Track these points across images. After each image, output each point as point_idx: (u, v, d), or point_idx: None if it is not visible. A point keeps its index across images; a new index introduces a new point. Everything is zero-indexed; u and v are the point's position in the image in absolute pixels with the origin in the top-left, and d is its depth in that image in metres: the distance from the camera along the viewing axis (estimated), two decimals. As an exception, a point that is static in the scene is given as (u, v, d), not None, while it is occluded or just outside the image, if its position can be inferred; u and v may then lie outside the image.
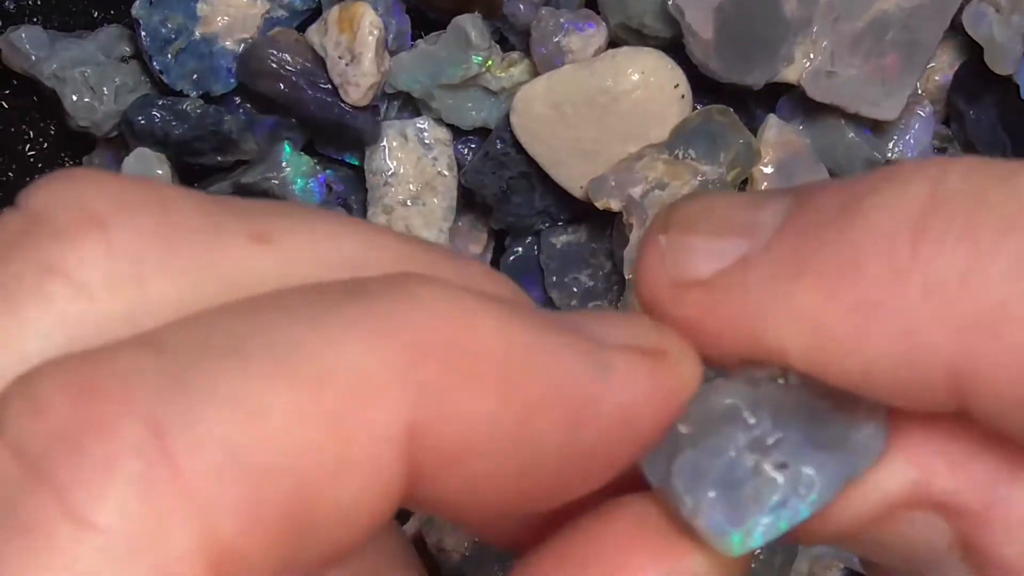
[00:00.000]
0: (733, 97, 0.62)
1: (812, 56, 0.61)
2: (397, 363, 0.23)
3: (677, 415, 0.26)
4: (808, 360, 0.26)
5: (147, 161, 0.61)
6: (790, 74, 0.61)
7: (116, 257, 0.24)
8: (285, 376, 0.22)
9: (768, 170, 0.61)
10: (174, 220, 0.25)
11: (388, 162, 0.63)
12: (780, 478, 0.25)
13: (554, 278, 0.64)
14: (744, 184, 0.62)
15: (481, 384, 0.24)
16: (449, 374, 0.23)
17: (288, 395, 0.22)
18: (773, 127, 0.61)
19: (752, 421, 0.26)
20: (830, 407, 0.26)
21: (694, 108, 0.61)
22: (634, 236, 0.59)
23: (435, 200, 0.64)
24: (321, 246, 0.26)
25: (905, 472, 0.27)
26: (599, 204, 0.60)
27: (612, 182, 0.60)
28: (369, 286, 0.24)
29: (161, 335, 0.23)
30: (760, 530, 0.25)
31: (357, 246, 0.26)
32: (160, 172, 0.61)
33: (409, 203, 0.63)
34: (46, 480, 0.21)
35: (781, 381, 0.26)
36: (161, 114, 0.62)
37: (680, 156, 0.59)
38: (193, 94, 0.62)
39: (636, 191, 0.59)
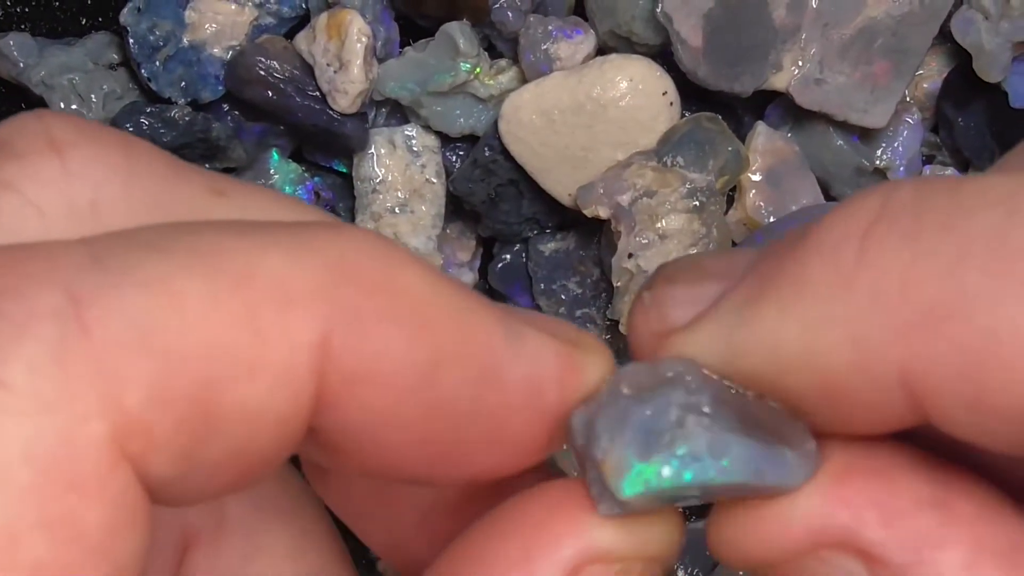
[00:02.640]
0: (721, 104, 0.62)
1: (800, 63, 0.61)
2: (318, 278, 0.24)
3: (577, 397, 0.27)
4: (772, 381, 0.27)
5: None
6: (778, 81, 0.61)
7: (72, 182, 0.25)
8: (206, 269, 0.23)
9: (757, 177, 0.61)
10: (138, 162, 0.26)
11: (376, 169, 0.63)
12: (700, 433, 0.26)
13: (542, 285, 0.64)
14: (733, 191, 0.62)
15: (397, 318, 0.24)
16: (368, 301, 0.24)
17: (207, 287, 0.23)
18: (762, 134, 0.61)
19: (693, 388, 0.26)
20: (771, 422, 0.27)
21: (683, 115, 0.61)
22: (622, 243, 0.59)
23: (423, 207, 0.64)
24: (272, 206, 0.26)
25: (837, 514, 0.26)
26: (587, 212, 0.60)
27: (600, 189, 0.59)
28: (310, 222, 0.26)
29: (95, 235, 0.24)
30: (665, 471, 0.25)
31: (305, 213, 0.27)
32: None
33: (397, 210, 0.63)
34: None
35: (734, 391, 0.27)
36: (149, 121, 0.62)
37: (668, 163, 0.59)
38: (181, 101, 0.62)
39: (624, 198, 0.59)
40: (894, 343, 0.25)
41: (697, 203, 0.59)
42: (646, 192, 0.59)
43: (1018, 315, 0.24)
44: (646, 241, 0.58)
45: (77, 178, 0.25)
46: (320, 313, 0.24)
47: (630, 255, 0.59)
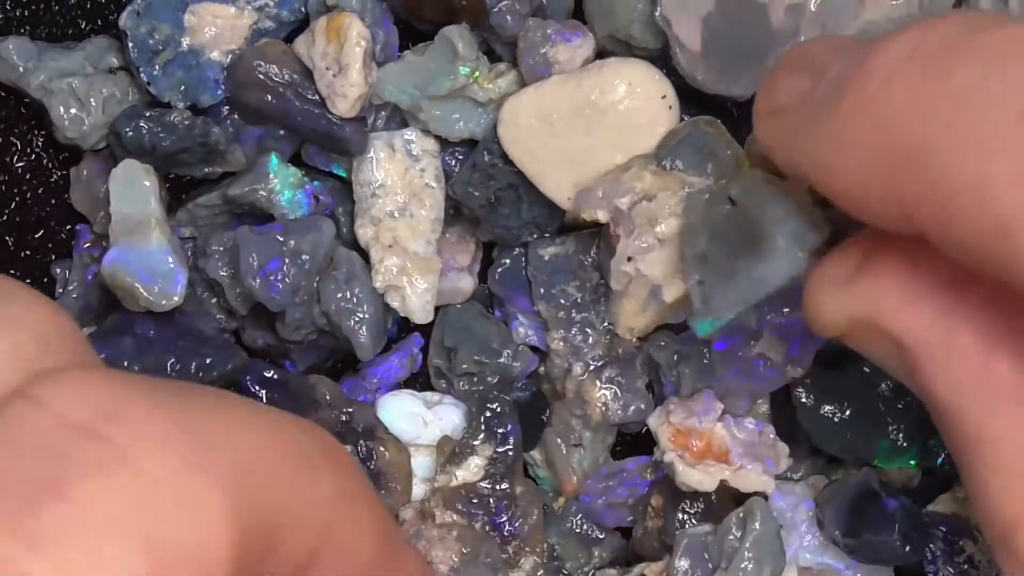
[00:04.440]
0: (720, 107, 0.62)
1: (800, 66, 0.61)
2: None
3: None
4: (815, 179, 0.34)
5: (134, 172, 0.61)
6: (778, 85, 0.61)
7: None
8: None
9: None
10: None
11: (375, 173, 0.63)
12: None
13: (542, 290, 0.64)
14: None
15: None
16: None
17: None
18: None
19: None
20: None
21: (681, 119, 0.61)
22: (621, 247, 0.59)
23: (422, 212, 0.63)
24: None
25: (861, 303, 0.35)
26: (585, 215, 0.60)
27: (599, 193, 0.59)
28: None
29: None
30: None
31: None
32: (147, 184, 0.61)
33: (396, 214, 0.63)
34: None
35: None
36: (148, 126, 0.62)
37: (668, 167, 0.59)
38: (181, 105, 0.62)
39: (623, 202, 0.59)
40: (889, 173, 0.31)
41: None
42: (645, 196, 0.59)
43: (973, 169, 0.30)
44: (645, 245, 0.58)
45: None
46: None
47: (629, 259, 0.59)
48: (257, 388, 0.62)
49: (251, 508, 0.28)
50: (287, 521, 0.29)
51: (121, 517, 0.26)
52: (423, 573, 0.36)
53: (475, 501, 0.63)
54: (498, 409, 0.63)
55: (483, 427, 0.63)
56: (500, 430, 0.63)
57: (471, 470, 0.63)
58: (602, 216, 0.59)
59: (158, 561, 0.26)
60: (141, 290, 0.60)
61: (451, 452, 0.63)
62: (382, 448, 0.63)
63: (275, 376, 0.63)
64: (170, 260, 0.60)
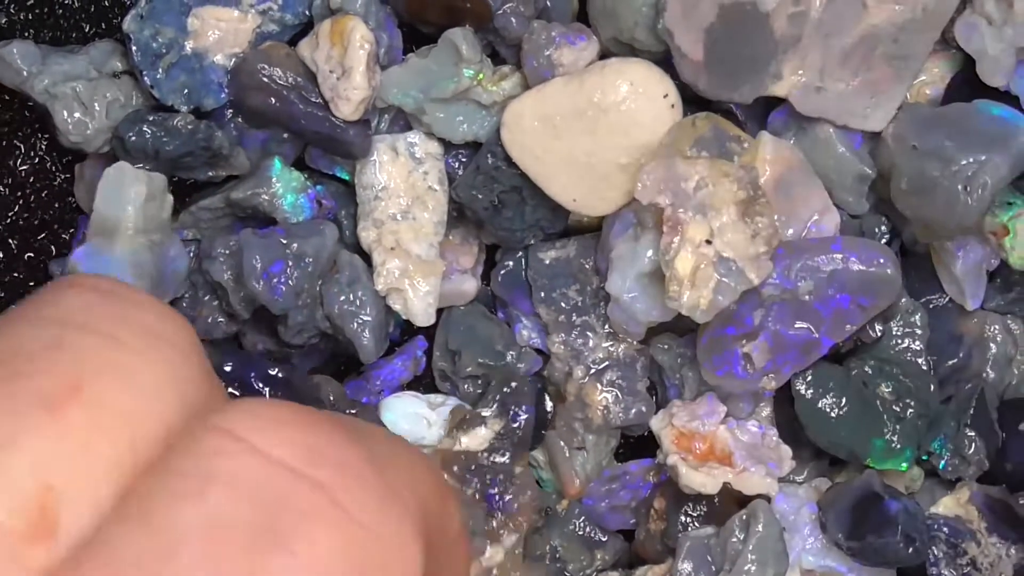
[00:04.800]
0: (722, 109, 0.62)
1: (801, 72, 0.61)
2: None
3: None
4: None
5: (123, 176, 0.61)
6: (779, 90, 0.61)
7: None
8: None
9: (769, 187, 0.61)
10: None
11: (378, 176, 0.63)
12: None
13: (542, 294, 0.64)
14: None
15: None
16: None
17: None
18: (768, 143, 0.61)
19: None
20: None
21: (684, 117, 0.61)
22: (691, 231, 0.58)
23: (425, 215, 0.63)
24: None
25: None
26: (644, 200, 0.59)
27: (658, 179, 0.59)
28: None
29: None
30: None
31: None
32: (132, 191, 0.61)
33: (399, 217, 0.63)
34: None
35: None
36: (152, 130, 0.61)
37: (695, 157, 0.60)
38: (184, 109, 0.62)
39: (689, 185, 0.58)
40: None
41: (745, 194, 0.59)
42: (705, 181, 0.58)
43: None
44: (719, 226, 0.58)
45: None
46: None
47: (708, 241, 0.58)
48: (261, 386, 0.62)
49: (425, 539, 0.28)
50: (436, 547, 0.29)
51: (339, 563, 0.26)
52: None
53: (472, 468, 0.63)
54: (516, 387, 0.63)
55: (497, 401, 0.63)
56: (514, 408, 0.63)
57: (476, 439, 0.63)
58: (663, 200, 0.59)
59: None
60: None
61: (461, 419, 0.63)
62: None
63: (279, 374, 0.63)
64: (128, 271, 0.60)
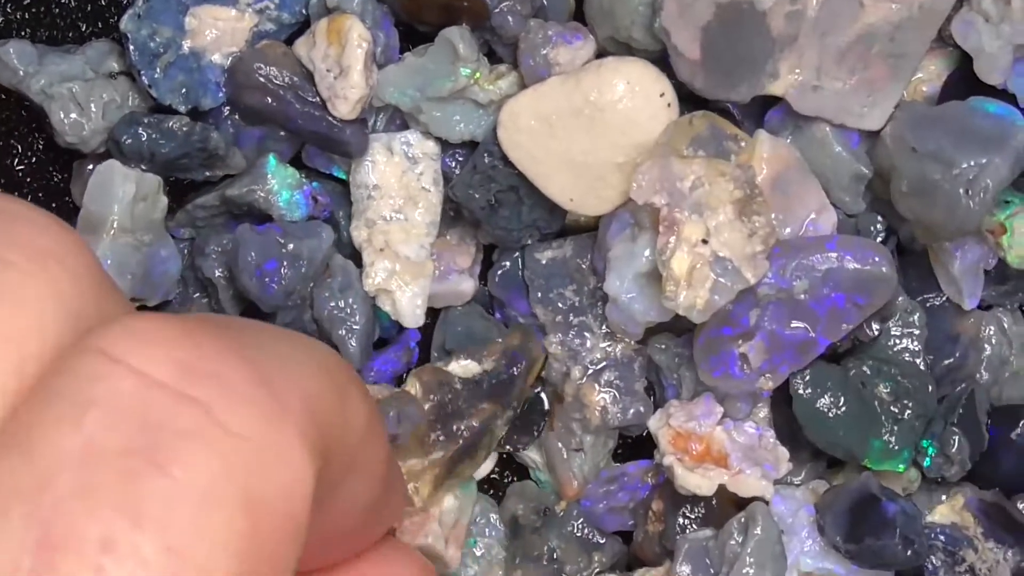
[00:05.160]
0: (719, 108, 0.62)
1: (798, 71, 0.61)
2: None
3: None
4: None
5: (111, 175, 0.61)
6: (776, 88, 0.61)
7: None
8: None
9: (766, 186, 0.60)
10: None
11: (371, 176, 0.63)
12: None
13: (539, 294, 0.64)
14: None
15: None
16: None
17: None
18: (765, 142, 0.61)
19: None
20: None
21: (680, 115, 0.61)
22: (687, 230, 0.58)
23: (417, 215, 0.63)
24: None
25: None
26: (640, 200, 0.59)
27: (654, 179, 0.59)
28: None
29: None
30: None
31: None
32: (123, 190, 0.61)
33: (390, 217, 0.63)
34: None
35: None
36: (147, 132, 0.62)
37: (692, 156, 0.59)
38: (182, 108, 0.62)
39: (685, 185, 0.58)
40: None
41: (741, 192, 0.58)
42: (701, 180, 0.58)
43: None
44: (715, 225, 0.58)
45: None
46: None
47: (704, 240, 0.58)
48: None
49: (318, 445, 0.28)
50: (334, 450, 0.29)
51: (220, 483, 0.26)
52: (397, 516, 0.35)
53: (443, 385, 0.62)
54: (528, 343, 0.63)
55: (502, 348, 0.63)
56: (514, 354, 0.63)
57: (466, 368, 0.63)
58: (659, 200, 0.58)
59: (257, 519, 0.26)
60: None
61: (465, 351, 0.63)
62: None
63: None
64: (110, 270, 0.60)
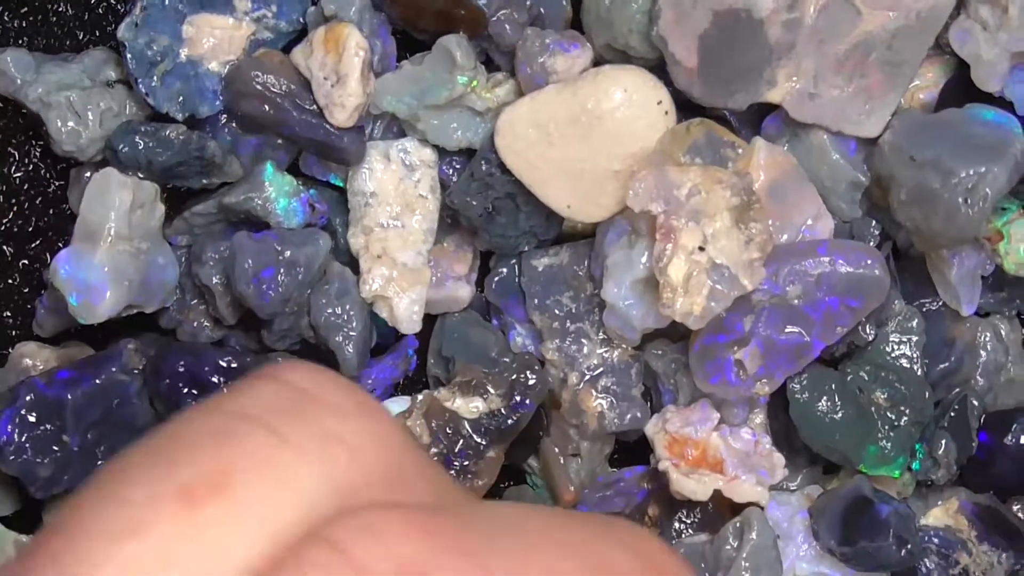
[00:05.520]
0: (716, 116, 0.62)
1: (795, 78, 0.61)
2: None
3: None
4: None
5: (108, 183, 0.61)
6: (773, 96, 0.61)
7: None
8: None
9: (763, 193, 0.61)
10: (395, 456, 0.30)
11: (369, 183, 0.63)
12: None
13: (536, 301, 0.64)
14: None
15: None
16: None
17: None
18: (762, 149, 0.61)
19: None
20: None
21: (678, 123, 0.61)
22: (685, 237, 0.58)
23: (414, 223, 0.63)
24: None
25: None
26: (637, 208, 0.59)
27: (651, 186, 0.59)
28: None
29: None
30: None
31: None
32: (119, 197, 0.61)
33: (387, 224, 0.63)
34: None
35: None
36: (144, 141, 0.61)
37: (689, 164, 0.59)
38: (179, 116, 0.62)
39: (682, 193, 0.58)
40: None
41: (738, 200, 0.59)
42: (697, 188, 0.58)
43: None
44: (712, 232, 0.58)
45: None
46: None
47: (701, 248, 0.58)
48: (216, 378, 0.62)
49: None
50: None
51: None
52: None
53: (448, 430, 0.62)
54: (531, 382, 0.63)
55: (508, 383, 0.63)
56: (519, 396, 0.63)
57: (469, 407, 0.63)
58: (655, 208, 0.58)
59: None
60: (70, 300, 0.60)
61: (469, 381, 0.63)
62: None
63: (232, 364, 0.62)
64: (107, 277, 0.60)
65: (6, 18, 0.64)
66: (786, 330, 0.60)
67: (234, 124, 0.64)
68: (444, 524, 0.28)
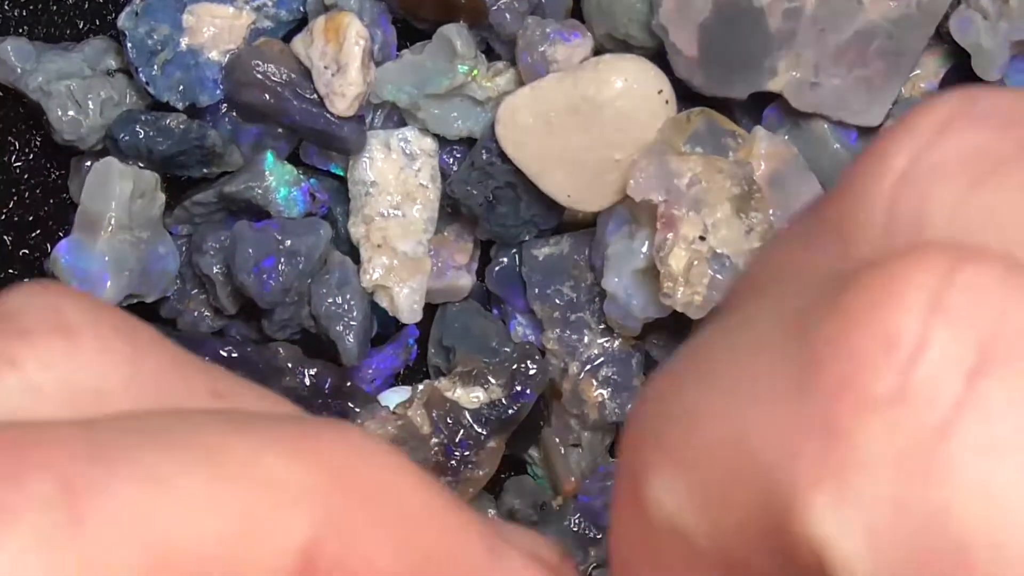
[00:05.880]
0: (717, 104, 0.62)
1: (796, 68, 0.61)
2: (315, 481, 0.24)
3: None
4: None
5: (109, 172, 0.61)
6: (774, 85, 0.61)
7: (78, 368, 0.25)
8: (204, 464, 0.23)
9: (764, 182, 0.61)
10: (144, 354, 0.26)
11: (369, 172, 0.63)
12: None
13: (536, 290, 0.64)
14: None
15: (388, 530, 0.24)
16: (362, 509, 0.24)
17: (203, 481, 0.23)
18: (763, 139, 0.61)
19: None
20: None
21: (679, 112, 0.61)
22: (686, 228, 0.58)
23: (415, 212, 0.63)
24: (267, 410, 0.27)
25: None
26: (637, 197, 0.59)
27: (651, 175, 0.59)
28: (310, 420, 0.25)
29: (95, 419, 0.24)
30: None
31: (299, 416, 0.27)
32: (120, 187, 0.61)
33: (388, 213, 0.63)
34: None
35: None
36: (144, 130, 0.62)
37: (689, 153, 0.59)
38: (179, 106, 0.62)
39: (683, 183, 0.58)
40: (644, 474, 0.25)
41: (739, 189, 0.58)
42: (698, 177, 0.58)
43: (725, 431, 0.24)
44: (713, 223, 0.58)
45: (83, 364, 0.25)
46: (313, 517, 0.23)
47: (702, 237, 0.58)
48: None
49: None
50: None
51: None
52: None
53: (449, 420, 0.62)
54: (532, 372, 0.63)
55: (508, 373, 0.63)
56: (519, 386, 0.63)
57: (469, 396, 0.63)
58: (656, 197, 0.58)
59: None
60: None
61: (469, 371, 0.63)
62: (351, 404, 0.63)
63: (233, 354, 0.62)
64: (108, 267, 0.60)
65: (6, 7, 0.63)
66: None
67: (234, 113, 0.64)
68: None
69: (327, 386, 0.63)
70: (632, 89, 0.60)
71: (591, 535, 0.66)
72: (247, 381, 0.28)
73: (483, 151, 0.62)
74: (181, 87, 0.62)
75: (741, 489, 0.23)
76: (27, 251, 0.66)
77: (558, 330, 0.64)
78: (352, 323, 0.62)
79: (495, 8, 0.62)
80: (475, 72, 0.63)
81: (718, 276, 0.58)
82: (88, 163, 0.63)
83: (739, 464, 0.23)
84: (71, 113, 0.62)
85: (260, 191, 0.63)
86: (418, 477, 0.25)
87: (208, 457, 0.23)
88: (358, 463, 0.24)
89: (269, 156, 0.63)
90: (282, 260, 0.61)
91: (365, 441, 0.25)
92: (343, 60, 0.60)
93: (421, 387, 0.63)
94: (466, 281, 0.66)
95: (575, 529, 0.66)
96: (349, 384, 0.63)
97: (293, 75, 0.62)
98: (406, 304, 0.63)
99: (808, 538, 0.22)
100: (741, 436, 0.23)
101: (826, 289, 0.24)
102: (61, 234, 0.66)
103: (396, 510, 0.25)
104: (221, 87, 0.63)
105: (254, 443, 0.24)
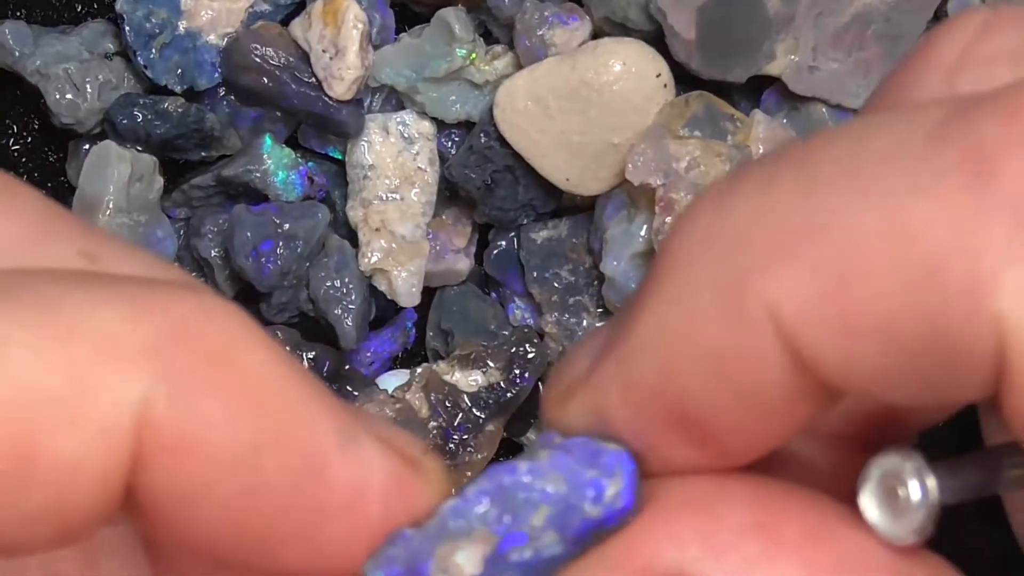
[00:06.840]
0: (715, 88, 0.62)
1: (794, 52, 0.61)
2: (150, 338, 0.23)
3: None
4: (667, 385, 0.27)
5: (107, 156, 0.61)
6: (772, 69, 0.61)
7: None
8: (34, 319, 0.23)
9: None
10: (10, 209, 0.26)
11: (367, 156, 0.63)
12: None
13: (534, 274, 0.64)
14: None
15: (226, 392, 0.24)
16: (199, 369, 0.24)
17: (32, 336, 0.23)
18: (761, 123, 0.61)
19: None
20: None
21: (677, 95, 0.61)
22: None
23: (413, 195, 0.63)
24: (141, 271, 0.26)
25: (662, 552, 0.25)
26: (635, 181, 0.59)
27: (650, 159, 0.59)
28: (161, 281, 0.25)
29: None
30: None
31: (169, 275, 0.26)
32: (118, 170, 0.61)
33: (386, 197, 0.63)
34: None
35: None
36: (143, 114, 0.62)
37: (687, 137, 0.59)
38: (178, 89, 0.62)
39: (681, 166, 0.58)
40: (756, 278, 0.24)
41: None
42: (696, 161, 0.58)
43: (876, 223, 0.23)
44: None
45: None
46: (147, 373, 0.23)
47: None
48: None
49: None
50: None
51: None
52: None
53: (448, 404, 0.62)
54: (530, 356, 0.63)
55: (507, 356, 0.63)
56: (518, 370, 0.63)
57: (468, 380, 0.63)
58: (654, 181, 0.58)
59: None
60: None
61: (468, 355, 0.63)
62: (349, 387, 0.63)
63: None
64: None
65: (4, -10, 0.64)
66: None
67: (232, 97, 0.64)
68: None
69: (325, 369, 0.63)
70: (631, 73, 0.60)
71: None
72: (142, 249, 0.28)
73: (481, 135, 0.62)
74: (179, 70, 0.62)
75: (891, 280, 0.23)
76: (25, 235, 0.66)
77: (556, 313, 0.64)
78: (350, 306, 0.62)
79: (493, -9, 0.62)
80: (473, 56, 0.63)
81: None
82: (86, 146, 0.63)
83: (892, 255, 0.23)
84: (69, 96, 0.62)
85: (258, 175, 0.63)
86: (267, 345, 0.25)
87: (41, 312, 0.23)
88: (202, 323, 0.24)
89: (267, 139, 0.63)
90: (280, 244, 0.61)
91: (214, 302, 0.25)
92: (341, 43, 0.60)
93: (419, 370, 0.63)
94: (464, 264, 0.66)
95: (573, 512, 0.66)
96: (347, 367, 0.63)
97: (291, 59, 0.62)
98: (404, 287, 0.63)
99: (994, 317, 0.22)
100: (896, 227, 0.23)
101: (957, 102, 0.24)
102: (59, 218, 0.66)
103: (239, 377, 0.24)
104: (219, 70, 0.63)
105: (92, 299, 0.23)
